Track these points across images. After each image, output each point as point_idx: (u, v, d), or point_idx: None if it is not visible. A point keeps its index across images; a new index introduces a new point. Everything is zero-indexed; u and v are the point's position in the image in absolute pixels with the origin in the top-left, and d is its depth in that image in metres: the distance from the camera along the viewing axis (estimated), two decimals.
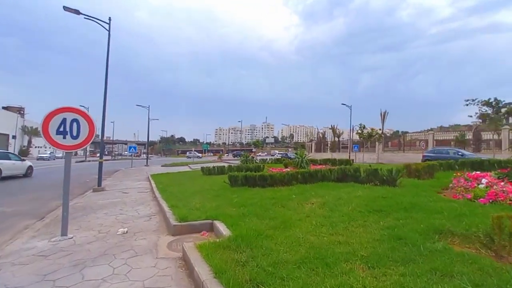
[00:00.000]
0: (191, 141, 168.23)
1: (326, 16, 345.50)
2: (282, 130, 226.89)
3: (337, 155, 35.20)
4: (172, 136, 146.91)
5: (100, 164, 10.54)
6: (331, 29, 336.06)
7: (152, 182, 12.04)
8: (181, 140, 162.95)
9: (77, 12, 9.77)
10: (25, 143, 57.82)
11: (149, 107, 30.81)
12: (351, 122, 31.42)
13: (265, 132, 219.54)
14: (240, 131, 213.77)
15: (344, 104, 31.13)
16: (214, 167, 13.70)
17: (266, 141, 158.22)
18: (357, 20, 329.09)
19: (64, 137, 4.02)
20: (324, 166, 10.78)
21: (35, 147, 61.66)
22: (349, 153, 30.40)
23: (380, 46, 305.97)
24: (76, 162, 34.73)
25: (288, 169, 9.99)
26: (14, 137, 53.72)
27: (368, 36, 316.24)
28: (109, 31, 10.49)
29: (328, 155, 36.33)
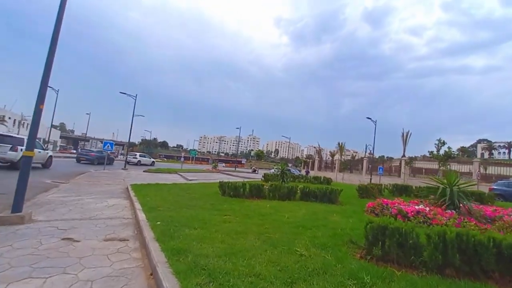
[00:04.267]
0: (174, 147, 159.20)
1: (314, 40, 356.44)
2: (267, 144, 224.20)
3: (350, 176, 30.60)
4: (154, 139, 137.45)
5: (26, 161, 4.74)
6: (318, 53, 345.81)
7: (137, 205, 6.32)
8: (164, 144, 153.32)
9: None
10: None
11: (136, 97, 24.78)
12: (375, 139, 27.12)
13: (250, 145, 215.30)
14: (225, 141, 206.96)
15: (369, 118, 26.92)
16: (244, 183, 8.17)
17: (251, 154, 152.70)
18: (343, 47, 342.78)
19: None
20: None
21: None
22: (370, 176, 25.84)
23: (362, 74, 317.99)
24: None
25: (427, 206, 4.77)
26: None
27: (351, 64, 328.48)
28: None
29: (338, 174, 31.61)
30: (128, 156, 31.53)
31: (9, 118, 57.34)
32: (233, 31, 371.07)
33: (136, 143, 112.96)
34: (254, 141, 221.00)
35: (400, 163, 26.81)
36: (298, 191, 7.67)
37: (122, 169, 21.95)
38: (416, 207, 5.01)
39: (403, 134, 29.49)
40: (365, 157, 32.14)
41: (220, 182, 8.60)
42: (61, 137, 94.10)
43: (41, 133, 69.29)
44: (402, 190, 10.10)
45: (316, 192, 7.39)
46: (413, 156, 31.86)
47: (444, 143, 19.06)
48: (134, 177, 15.34)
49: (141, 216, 5.16)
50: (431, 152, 21.08)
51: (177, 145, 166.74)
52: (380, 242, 2.89)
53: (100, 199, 7.40)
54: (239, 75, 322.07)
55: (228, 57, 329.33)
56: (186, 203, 6.99)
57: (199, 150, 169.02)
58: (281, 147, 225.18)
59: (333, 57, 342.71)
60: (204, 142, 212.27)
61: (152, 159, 36.09)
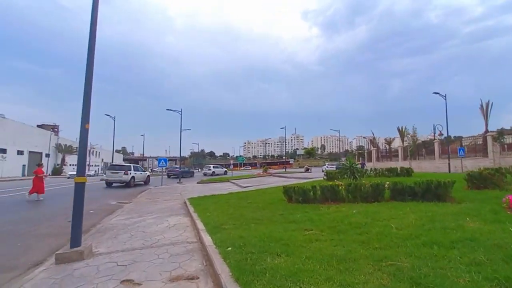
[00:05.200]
0: (221, 155, 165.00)
1: (348, 24, 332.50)
2: (312, 140, 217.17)
3: (419, 164, 26.67)
4: (202, 150, 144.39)
5: (78, 189, 4.20)
6: (353, 37, 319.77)
7: (199, 223, 5.55)
8: (211, 154, 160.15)
9: None
10: (59, 161, 56.48)
11: (181, 111, 25.47)
12: (447, 117, 23.03)
13: (294, 144, 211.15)
14: (269, 143, 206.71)
15: (437, 93, 23.06)
16: (314, 185, 6.87)
17: (297, 153, 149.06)
18: (381, 25, 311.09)
19: None
20: None
21: (69, 165, 60.36)
22: (448, 161, 21.90)
23: (408, 50, 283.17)
24: (101, 180, 30.20)
25: None
26: (47, 155, 52.38)
27: (393, 41, 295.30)
28: None
29: (403, 163, 27.77)
30: (204, 168, 37.75)
31: None
32: (262, 34, 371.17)
33: (187, 156, 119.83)
34: (298, 139, 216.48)
35: (485, 140, 22.22)
36: (387, 189, 6.07)
37: (178, 183, 22.49)
38: None
39: (481, 105, 24.45)
40: (435, 139, 27.67)
41: (284, 187, 7.45)
42: (123, 159, 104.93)
43: (107, 158, 78.13)
44: None
45: (414, 188, 5.68)
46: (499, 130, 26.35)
47: None
48: (190, 190, 15.25)
49: (207, 239, 4.28)
50: None
51: (223, 153, 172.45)
52: None
53: (160, 219, 6.90)
54: (274, 76, 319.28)
55: (260, 61, 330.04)
56: (252, 215, 6.00)
57: (245, 156, 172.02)
58: (327, 142, 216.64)
59: (371, 38, 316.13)
60: (249, 147, 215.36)
61: (225, 169, 38.48)
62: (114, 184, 19.15)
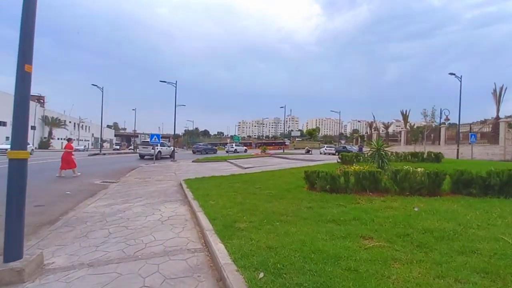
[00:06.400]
0: (215, 134, 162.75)
1: (349, 3, 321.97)
2: (307, 122, 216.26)
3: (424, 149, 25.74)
4: (196, 129, 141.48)
5: (17, 168, 2.65)
6: (354, 17, 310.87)
7: (202, 217, 4.12)
8: (205, 133, 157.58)
9: None
10: (46, 134, 53.83)
11: (176, 83, 23.31)
12: (461, 101, 21.58)
13: (290, 125, 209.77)
14: (264, 124, 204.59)
15: (453, 74, 21.50)
16: (345, 171, 5.45)
17: (292, 135, 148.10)
18: (382, 6, 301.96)
19: None
20: None
21: (57, 138, 57.78)
22: (457, 147, 20.86)
23: (408, 34, 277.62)
24: (89, 155, 28.47)
25: None
26: (33, 127, 49.59)
27: (394, 23, 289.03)
28: None
29: (405, 147, 26.70)
30: (227, 146, 38.90)
31: (69, 122, 62.86)
32: (260, 10, 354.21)
33: (180, 134, 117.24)
34: (293, 121, 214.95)
35: (495, 127, 21.17)
36: (446, 179, 4.70)
37: (171, 161, 21.02)
38: None
39: (494, 90, 23.17)
40: (441, 124, 26.56)
41: (305, 171, 6.04)
42: (115, 135, 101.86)
43: (98, 133, 75.40)
44: None
45: (488, 179, 4.29)
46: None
47: None
48: (185, 170, 13.81)
49: (218, 248, 2.86)
50: None
51: (218, 132, 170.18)
52: None
53: (151, 207, 5.45)
54: (271, 55, 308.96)
55: (257, 39, 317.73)
56: (269, 207, 4.61)
57: (239, 135, 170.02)
58: (322, 124, 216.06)
59: (371, 19, 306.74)
60: (243, 127, 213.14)
61: (245, 147, 43.60)
62: (146, 157, 22.66)
